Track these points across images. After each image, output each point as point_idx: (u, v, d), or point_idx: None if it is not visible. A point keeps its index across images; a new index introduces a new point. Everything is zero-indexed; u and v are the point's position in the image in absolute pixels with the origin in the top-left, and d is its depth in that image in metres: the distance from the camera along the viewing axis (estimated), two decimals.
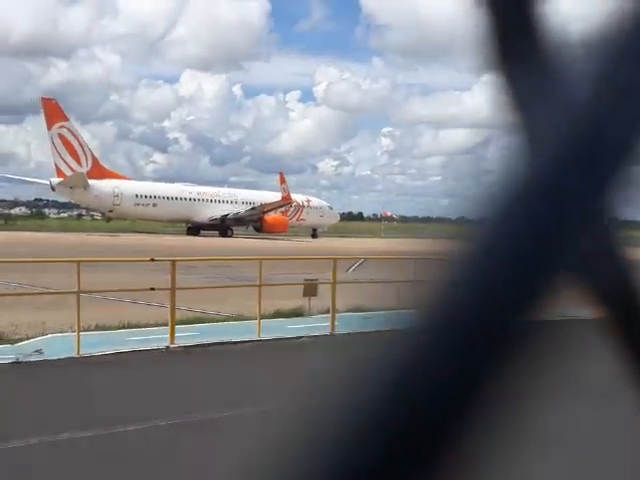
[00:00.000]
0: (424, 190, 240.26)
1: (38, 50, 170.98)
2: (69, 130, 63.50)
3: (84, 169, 62.87)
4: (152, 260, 12.03)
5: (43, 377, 8.87)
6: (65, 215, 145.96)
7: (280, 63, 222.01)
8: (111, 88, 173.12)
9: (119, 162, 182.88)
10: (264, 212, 69.69)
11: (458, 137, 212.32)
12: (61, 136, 62.50)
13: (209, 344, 11.04)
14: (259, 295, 11.83)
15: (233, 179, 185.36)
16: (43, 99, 64.10)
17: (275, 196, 72.97)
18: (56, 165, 63.12)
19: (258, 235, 68.61)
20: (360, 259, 28.49)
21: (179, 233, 70.43)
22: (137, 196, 65.19)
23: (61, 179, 62.63)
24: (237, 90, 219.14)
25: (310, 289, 13.79)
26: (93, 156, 65.47)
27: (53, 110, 62.96)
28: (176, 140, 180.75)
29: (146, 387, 8.54)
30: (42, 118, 63.39)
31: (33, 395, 8.00)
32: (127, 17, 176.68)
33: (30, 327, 11.67)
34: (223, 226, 68.22)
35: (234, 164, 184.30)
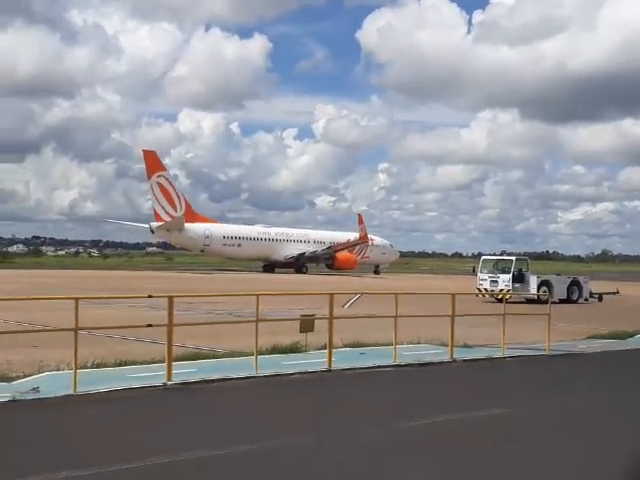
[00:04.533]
0: (420, 225, 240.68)
1: (41, 89, 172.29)
2: (166, 179, 68.30)
3: (179, 213, 67.76)
4: (150, 297, 12.04)
5: (39, 415, 8.82)
6: (62, 252, 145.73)
7: (279, 102, 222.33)
8: (112, 126, 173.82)
9: (118, 200, 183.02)
10: (336, 251, 74.56)
11: (455, 173, 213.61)
12: (159, 184, 67.26)
13: (207, 380, 10.99)
14: (256, 331, 11.82)
15: (231, 215, 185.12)
16: (144, 151, 68.73)
17: (342, 235, 79.08)
18: (154, 210, 67.89)
19: (330, 272, 72.45)
20: (357, 294, 28.45)
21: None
22: (224, 237, 70.62)
23: (160, 223, 67.27)
24: (235, 128, 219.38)
25: (307, 325, 13.76)
26: (186, 201, 70.42)
27: (153, 161, 67.80)
28: (175, 177, 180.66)
29: (142, 424, 8.50)
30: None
31: (30, 434, 7.95)
32: (129, 56, 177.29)
33: (27, 365, 11.61)
34: (298, 264, 72.78)
35: (232, 200, 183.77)
